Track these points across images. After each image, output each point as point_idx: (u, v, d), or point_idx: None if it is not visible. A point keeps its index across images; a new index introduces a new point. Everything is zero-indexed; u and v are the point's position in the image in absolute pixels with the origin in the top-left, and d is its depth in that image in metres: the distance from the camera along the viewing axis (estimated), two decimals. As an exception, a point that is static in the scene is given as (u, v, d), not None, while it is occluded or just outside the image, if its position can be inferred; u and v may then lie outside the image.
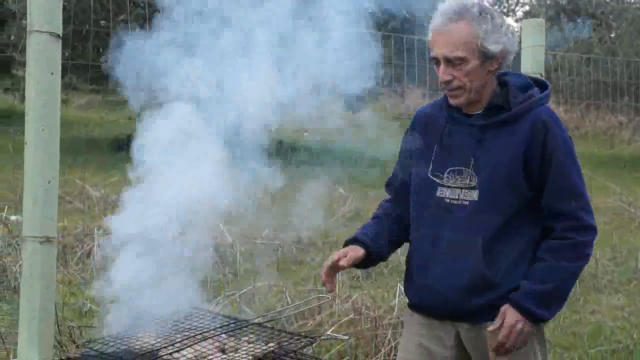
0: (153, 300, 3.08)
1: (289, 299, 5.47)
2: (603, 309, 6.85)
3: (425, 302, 3.06)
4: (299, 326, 5.11)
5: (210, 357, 2.69)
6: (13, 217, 6.87)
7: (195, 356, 2.69)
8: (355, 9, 3.19)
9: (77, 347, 3.99)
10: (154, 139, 3.17)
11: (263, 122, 3.30)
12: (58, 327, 4.02)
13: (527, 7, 22.96)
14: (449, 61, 2.85)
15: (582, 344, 5.90)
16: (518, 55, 4.48)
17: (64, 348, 4.03)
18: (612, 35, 20.94)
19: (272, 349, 2.81)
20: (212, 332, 2.89)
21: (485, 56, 2.85)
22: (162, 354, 2.70)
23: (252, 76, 3.21)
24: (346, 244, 3.07)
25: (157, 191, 3.16)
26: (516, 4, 23.00)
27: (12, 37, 14.56)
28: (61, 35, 3.17)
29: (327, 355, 4.89)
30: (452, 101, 2.95)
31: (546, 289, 2.85)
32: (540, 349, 3.03)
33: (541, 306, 2.86)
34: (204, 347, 2.77)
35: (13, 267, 5.90)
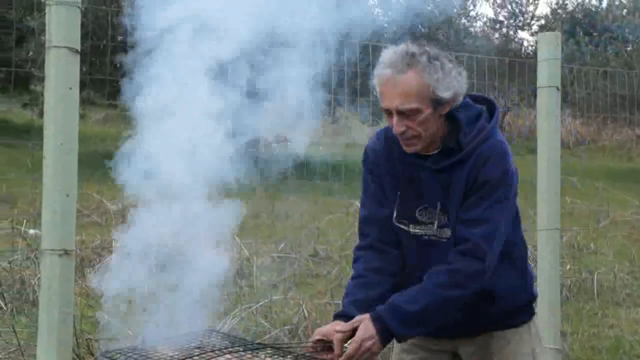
0: (169, 314, 3.10)
1: (305, 312, 5.47)
2: (622, 322, 6.81)
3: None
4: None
5: None
6: (32, 231, 6.91)
7: None
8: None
9: (95, 359, 4.01)
10: (165, 151, 3.19)
11: (278, 135, 3.31)
12: (76, 339, 4.05)
13: (542, 21, 22.91)
14: (402, 113, 2.77)
15: (600, 358, 5.87)
16: (534, 69, 4.50)
17: (82, 360, 4.06)
18: (629, 48, 20.87)
19: None
20: (229, 348, 2.89)
21: (438, 103, 2.78)
22: None
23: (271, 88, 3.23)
24: (335, 318, 2.93)
25: (170, 202, 3.17)
26: (532, 18, 22.96)
27: (31, 53, 14.69)
28: (79, 50, 3.21)
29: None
30: (407, 149, 2.87)
31: (412, 309, 2.76)
32: (537, 345, 3.09)
33: (402, 325, 2.78)
34: None
35: (32, 281, 5.94)
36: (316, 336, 2.87)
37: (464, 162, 2.83)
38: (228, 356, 2.79)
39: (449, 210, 2.86)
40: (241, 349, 2.86)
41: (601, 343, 6.20)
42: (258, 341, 2.99)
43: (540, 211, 4.39)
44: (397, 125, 2.79)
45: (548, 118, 4.40)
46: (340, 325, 2.83)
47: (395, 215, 2.96)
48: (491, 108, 2.95)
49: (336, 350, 2.79)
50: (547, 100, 4.39)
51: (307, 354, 2.83)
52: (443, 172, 2.86)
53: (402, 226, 2.96)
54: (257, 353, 2.86)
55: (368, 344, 2.76)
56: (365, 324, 2.77)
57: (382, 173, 3.01)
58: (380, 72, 2.79)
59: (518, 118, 19.28)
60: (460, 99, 2.85)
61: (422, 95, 2.75)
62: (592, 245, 9.40)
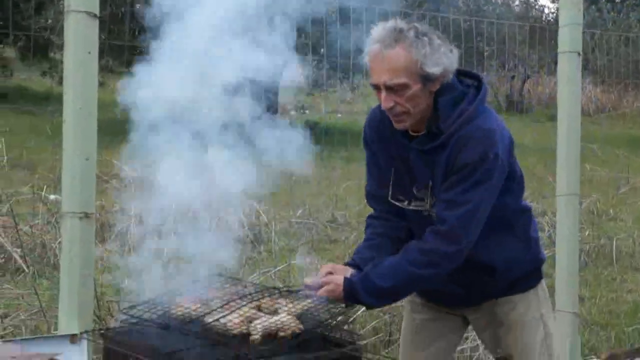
0: (188, 274, 3.12)
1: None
2: (640, 287, 6.83)
3: (432, 300, 3.18)
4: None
5: (256, 318, 2.70)
6: (52, 196, 6.98)
7: (241, 320, 2.69)
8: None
9: (116, 319, 4.06)
10: (187, 119, 3.20)
11: (296, 104, 3.31)
12: (97, 302, 4.10)
13: (564, -13, 22.61)
14: (390, 88, 2.75)
15: (618, 323, 5.89)
16: (555, 34, 4.45)
17: (103, 322, 4.11)
18: (652, 14, 20.62)
19: (311, 305, 2.81)
20: (249, 296, 2.89)
21: (426, 79, 2.76)
22: (209, 319, 2.71)
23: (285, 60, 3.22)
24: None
25: (192, 169, 3.19)
26: (553, -16, 22.73)
27: (50, 21, 14.71)
28: (98, 14, 3.21)
29: (363, 330, 4.93)
30: (396, 125, 2.86)
31: (383, 285, 2.79)
32: (545, 310, 3.12)
33: (367, 294, 2.80)
34: (245, 310, 2.77)
35: (52, 244, 6.01)
36: (327, 269, 2.92)
37: (444, 145, 2.81)
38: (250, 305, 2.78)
39: (436, 191, 2.87)
40: (259, 296, 2.85)
41: (619, 307, 6.21)
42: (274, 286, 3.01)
43: (560, 177, 4.37)
44: (385, 101, 2.77)
45: (569, 84, 4.36)
46: (350, 271, 2.89)
47: (390, 192, 2.97)
48: (479, 85, 2.91)
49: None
50: (568, 65, 4.35)
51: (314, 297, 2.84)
52: (427, 154, 2.85)
53: (398, 203, 2.97)
54: (277, 298, 2.86)
55: (328, 289, 2.81)
56: (337, 281, 2.82)
57: (377, 150, 3.02)
58: (370, 48, 2.78)
59: (538, 85, 19.15)
60: (450, 76, 2.82)
61: (410, 70, 2.73)
62: (611, 211, 9.37)
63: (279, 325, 2.66)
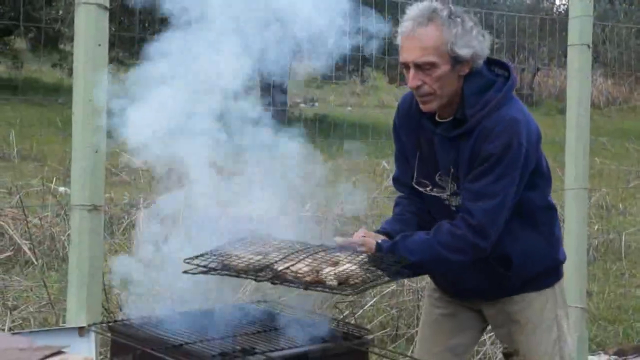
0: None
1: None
2: (649, 283, 6.81)
3: (449, 292, 3.16)
4: (340, 297, 5.15)
5: (322, 268, 2.67)
6: (62, 189, 7.00)
7: (310, 269, 2.67)
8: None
9: (124, 313, 4.06)
10: (190, 115, 3.19)
11: (306, 96, 3.30)
12: (105, 294, 4.11)
13: (575, -21, 22.51)
14: (419, 66, 2.75)
15: (627, 318, 5.88)
16: (566, 27, 4.43)
17: (111, 315, 4.12)
18: (663, 7, 20.52)
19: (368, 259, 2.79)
20: (305, 250, 2.84)
21: (456, 61, 2.76)
22: (279, 267, 2.65)
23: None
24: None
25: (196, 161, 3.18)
26: (564, -24, 22.60)
27: (60, 12, 14.73)
28: (108, 6, 3.22)
29: (370, 325, 4.93)
30: (423, 107, 2.85)
31: (410, 258, 2.77)
32: (561, 311, 3.09)
33: (395, 263, 2.76)
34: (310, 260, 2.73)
35: (62, 237, 6.03)
36: (361, 233, 2.89)
37: (469, 134, 2.81)
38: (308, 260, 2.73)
39: (460, 179, 2.87)
40: (314, 250, 2.78)
41: (628, 303, 6.19)
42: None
43: (568, 170, 4.37)
44: (413, 79, 2.77)
45: (578, 76, 4.36)
46: (380, 238, 2.88)
47: (415, 176, 2.98)
48: (509, 76, 2.90)
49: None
50: (578, 58, 4.35)
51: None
52: (452, 141, 2.85)
53: (421, 188, 2.98)
54: (332, 252, 2.79)
55: (362, 246, 2.79)
56: (370, 244, 2.81)
57: (404, 136, 3.02)
58: (403, 26, 2.80)
59: (548, 78, 19.08)
60: (480, 62, 2.82)
61: (439, 49, 2.74)
62: (620, 205, 9.34)
63: (349, 273, 2.63)
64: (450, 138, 2.85)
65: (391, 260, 2.76)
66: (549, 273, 3.08)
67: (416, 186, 2.99)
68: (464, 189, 2.84)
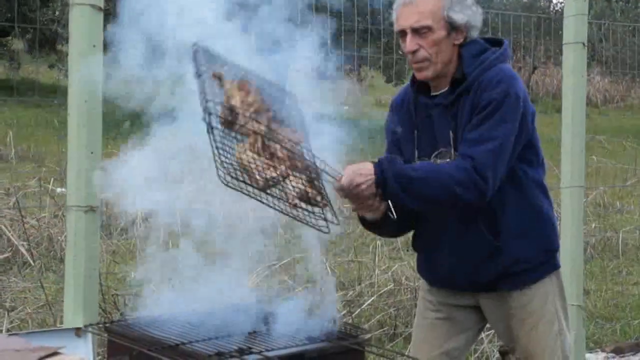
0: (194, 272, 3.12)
1: (328, 270, 5.51)
2: (646, 280, 6.82)
3: (443, 282, 3.12)
4: (338, 296, 5.15)
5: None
6: (59, 190, 7.00)
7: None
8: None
9: (121, 313, 4.07)
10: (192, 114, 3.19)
11: (304, 95, 3.30)
12: (102, 295, 4.11)
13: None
14: (416, 31, 2.87)
15: (624, 316, 5.88)
16: (562, 27, 4.44)
17: (108, 315, 4.12)
18: (660, 4, 20.52)
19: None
20: None
21: (451, 26, 2.89)
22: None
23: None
24: None
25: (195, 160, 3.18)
26: (561, -26, 22.62)
27: (57, 13, 14.74)
28: (102, 7, 3.22)
29: (367, 324, 4.93)
30: (418, 75, 2.94)
31: (410, 173, 2.77)
32: (561, 304, 3.08)
33: (395, 178, 2.76)
34: None
35: (59, 238, 6.03)
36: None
37: (468, 90, 2.88)
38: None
39: (457, 143, 2.88)
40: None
41: (625, 301, 6.20)
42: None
43: (565, 168, 4.38)
44: (410, 43, 2.87)
45: (573, 75, 4.36)
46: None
47: (416, 155, 2.98)
48: (501, 46, 3.00)
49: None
50: (573, 56, 4.35)
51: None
52: (451, 106, 2.92)
53: None
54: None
55: (359, 179, 2.76)
56: (366, 164, 2.80)
57: (400, 125, 3.05)
58: None
59: (545, 76, 19.11)
60: (474, 34, 2.95)
61: (435, 14, 2.86)
62: (617, 203, 9.35)
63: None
64: (450, 104, 2.91)
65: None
66: (542, 258, 3.03)
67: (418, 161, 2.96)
68: (464, 140, 2.84)
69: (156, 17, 2.99)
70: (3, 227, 6.04)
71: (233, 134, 2.59)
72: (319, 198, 2.66)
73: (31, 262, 5.72)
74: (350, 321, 4.30)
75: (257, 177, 2.52)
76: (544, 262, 3.04)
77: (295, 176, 2.63)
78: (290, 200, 2.58)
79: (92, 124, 3.19)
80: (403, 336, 4.97)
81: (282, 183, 2.58)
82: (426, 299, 3.19)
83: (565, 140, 4.37)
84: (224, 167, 2.47)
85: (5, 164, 9.03)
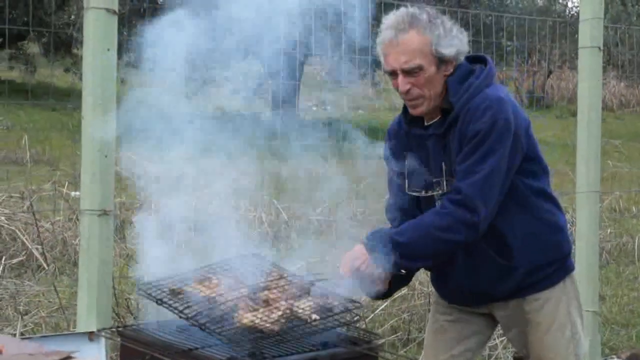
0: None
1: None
2: (662, 286, 6.76)
3: (456, 299, 3.12)
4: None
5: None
6: (73, 193, 7.01)
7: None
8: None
9: (134, 317, 4.07)
10: (202, 117, 3.20)
11: (317, 99, 3.30)
12: (116, 298, 4.11)
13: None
14: (406, 72, 2.82)
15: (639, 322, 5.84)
16: (577, 31, 4.43)
17: (122, 319, 4.13)
18: (677, 8, 20.42)
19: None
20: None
21: (441, 61, 2.84)
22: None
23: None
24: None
25: (208, 167, 3.19)
26: (576, -22, 22.53)
27: (72, 17, 14.80)
28: (117, 11, 3.23)
29: (381, 329, 4.92)
30: (412, 111, 2.91)
31: (400, 240, 2.80)
32: (576, 308, 3.05)
33: (389, 251, 2.80)
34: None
35: (73, 241, 6.05)
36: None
37: (457, 119, 2.85)
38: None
39: (449, 171, 2.88)
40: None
41: (641, 306, 6.16)
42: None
43: (580, 173, 4.35)
44: (402, 84, 2.83)
45: (589, 79, 4.34)
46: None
47: (407, 186, 2.98)
48: (485, 66, 2.95)
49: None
50: (589, 60, 4.33)
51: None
52: (444, 137, 2.89)
53: (415, 194, 2.97)
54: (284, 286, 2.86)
55: (357, 262, 2.83)
56: (357, 247, 2.87)
57: (396, 155, 3.02)
58: (383, 36, 2.85)
59: (561, 81, 19.05)
60: (462, 58, 2.90)
61: (424, 52, 2.81)
62: (633, 208, 9.29)
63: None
64: (442, 134, 2.88)
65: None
66: (555, 265, 3.01)
67: (410, 193, 2.97)
68: (456, 172, 2.85)
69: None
70: (17, 231, 6.05)
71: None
72: (330, 300, 2.80)
73: (45, 265, 5.74)
74: (363, 326, 4.28)
75: (269, 326, 2.65)
76: (557, 269, 3.03)
77: (299, 301, 2.77)
78: (310, 320, 2.71)
79: (106, 127, 3.19)
80: (417, 342, 4.94)
81: (293, 314, 2.72)
82: (438, 302, 3.20)
83: (580, 145, 4.35)
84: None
85: (20, 167, 9.07)
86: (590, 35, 4.31)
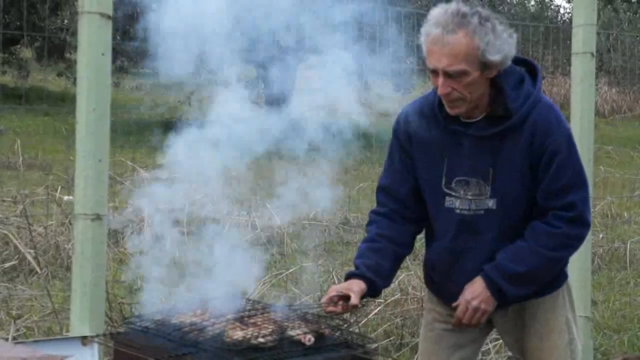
0: (200, 280, 3.13)
1: (335, 279, 5.50)
2: (654, 291, 6.78)
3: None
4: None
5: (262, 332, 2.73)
6: (66, 197, 7.00)
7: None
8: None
9: (127, 321, 4.05)
10: (202, 123, 3.20)
11: (312, 105, 3.31)
12: (109, 303, 4.11)
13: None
14: (449, 74, 2.71)
15: (632, 327, 5.85)
16: (570, 36, 4.44)
17: (115, 324, 4.12)
18: (668, 15, 20.49)
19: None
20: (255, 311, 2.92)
21: (486, 66, 2.72)
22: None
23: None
24: (348, 277, 2.94)
25: (203, 171, 3.19)
26: (569, -16, 22.61)
27: (66, 21, 14.80)
28: (112, 15, 3.23)
29: (374, 334, 4.92)
30: (451, 111, 2.81)
31: (517, 269, 2.82)
32: (572, 314, 3.06)
33: (507, 283, 2.83)
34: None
35: (66, 246, 6.04)
36: (332, 292, 2.88)
37: (516, 129, 2.80)
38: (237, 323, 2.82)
39: (498, 179, 2.83)
40: (251, 313, 2.88)
41: (633, 312, 6.16)
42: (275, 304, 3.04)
43: (572, 179, 4.35)
44: (443, 87, 2.73)
45: (582, 85, 4.35)
46: (357, 284, 2.86)
47: (444, 182, 2.91)
48: (531, 70, 2.90)
49: (353, 300, 2.81)
50: (581, 66, 4.34)
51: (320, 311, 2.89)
52: (491, 140, 2.82)
53: (454, 193, 2.90)
54: (270, 314, 2.88)
55: (475, 303, 2.85)
56: (473, 285, 2.86)
57: (414, 144, 2.96)
58: (429, 31, 2.72)
59: (553, 86, 19.07)
60: (509, 62, 2.79)
61: (470, 57, 2.68)
62: (625, 214, 9.31)
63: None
64: (488, 137, 2.82)
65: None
66: (556, 274, 3.02)
67: (447, 190, 2.90)
68: (542, 191, 2.82)
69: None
70: (10, 235, 6.04)
71: None
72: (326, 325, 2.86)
73: (38, 270, 5.72)
74: (356, 330, 4.28)
75: (261, 340, 2.68)
76: (557, 275, 3.03)
77: (292, 326, 2.79)
78: (307, 342, 2.72)
79: (100, 132, 3.20)
80: (410, 346, 4.95)
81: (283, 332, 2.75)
82: (435, 310, 3.14)
83: (573, 151, 4.36)
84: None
85: (13, 171, 9.05)
86: (582, 41, 4.32)
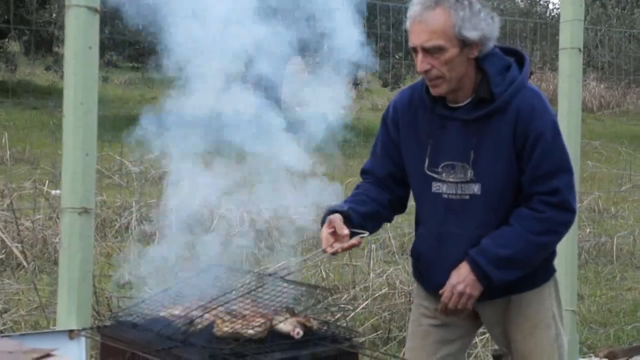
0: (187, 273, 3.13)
1: (323, 273, 5.51)
2: (640, 285, 6.82)
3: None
4: (333, 299, 5.16)
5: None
6: (54, 192, 6.98)
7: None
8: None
9: (114, 315, 4.05)
10: (192, 115, 3.21)
11: (299, 98, 3.31)
12: (96, 297, 4.11)
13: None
14: (427, 50, 2.75)
15: (618, 321, 5.89)
16: (556, 30, 4.46)
17: (102, 317, 4.12)
18: (656, 11, 20.56)
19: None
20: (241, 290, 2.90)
21: (464, 44, 2.75)
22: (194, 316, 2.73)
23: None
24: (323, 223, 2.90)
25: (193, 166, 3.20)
26: (557, -20, 22.64)
27: (54, 15, 14.73)
28: (99, 9, 3.22)
29: (361, 328, 4.93)
30: (433, 91, 2.85)
31: (504, 253, 2.81)
32: (557, 308, 3.06)
33: (493, 267, 2.82)
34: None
35: (53, 240, 6.02)
36: (324, 240, 2.84)
37: (499, 113, 2.82)
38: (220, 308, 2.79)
39: (482, 163, 2.84)
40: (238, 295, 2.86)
41: (619, 306, 6.21)
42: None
43: (559, 174, 4.37)
44: (421, 63, 2.77)
45: (569, 80, 4.37)
46: (334, 219, 2.84)
47: (427, 164, 2.93)
48: (520, 59, 2.93)
49: (340, 231, 2.80)
50: (569, 62, 4.36)
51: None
52: (475, 123, 2.85)
53: (433, 174, 2.92)
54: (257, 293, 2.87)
55: (460, 287, 2.83)
56: (458, 270, 2.85)
57: (401, 130, 2.99)
58: (410, 10, 2.79)
59: (541, 82, 19.13)
60: (491, 44, 2.83)
61: (447, 33, 2.73)
62: (612, 209, 9.36)
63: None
64: (472, 120, 2.84)
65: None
66: (543, 266, 3.01)
67: (430, 173, 2.92)
68: (527, 176, 2.83)
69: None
70: (-3, 229, 6.02)
71: None
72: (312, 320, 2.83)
73: (25, 264, 5.70)
74: (344, 324, 4.29)
75: (250, 332, 2.66)
76: (544, 269, 3.03)
77: (278, 317, 2.78)
78: (296, 335, 2.72)
79: (88, 126, 3.19)
80: (397, 340, 4.96)
81: (275, 325, 2.73)
82: (422, 305, 3.14)
83: (560, 146, 4.37)
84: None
85: (0, 165, 9.02)
86: (570, 36, 4.34)
